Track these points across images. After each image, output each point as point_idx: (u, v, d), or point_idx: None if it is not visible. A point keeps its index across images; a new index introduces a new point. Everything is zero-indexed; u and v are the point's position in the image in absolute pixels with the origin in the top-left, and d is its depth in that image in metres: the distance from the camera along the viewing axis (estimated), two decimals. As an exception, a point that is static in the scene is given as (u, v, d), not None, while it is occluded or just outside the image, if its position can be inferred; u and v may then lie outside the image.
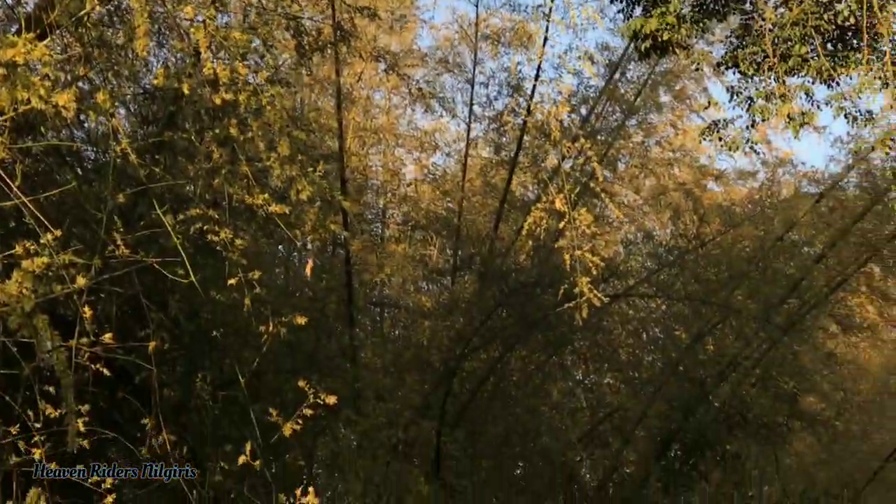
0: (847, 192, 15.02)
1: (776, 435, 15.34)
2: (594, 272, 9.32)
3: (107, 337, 6.50)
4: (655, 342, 16.09)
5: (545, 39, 12.76)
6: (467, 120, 14.51)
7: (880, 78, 7.63)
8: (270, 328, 7.36)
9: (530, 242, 13.11)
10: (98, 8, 7.43)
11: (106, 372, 6.57)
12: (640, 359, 15.86)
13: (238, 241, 7.09)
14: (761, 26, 8.23)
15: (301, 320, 7.32)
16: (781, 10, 8.27)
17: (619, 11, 9.16)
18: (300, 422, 7.35)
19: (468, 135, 14.60)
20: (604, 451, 15.35)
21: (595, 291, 9.19)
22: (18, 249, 6.05)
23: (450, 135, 16.30)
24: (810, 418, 15.88)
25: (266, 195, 7.16)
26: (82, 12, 6.69)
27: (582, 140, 9.86)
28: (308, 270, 11.38)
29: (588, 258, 9.26)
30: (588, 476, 16.11)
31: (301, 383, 7.37)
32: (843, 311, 15.83)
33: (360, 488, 11.61)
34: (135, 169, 7.10)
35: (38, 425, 6.60)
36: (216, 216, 7.08)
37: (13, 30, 7.43)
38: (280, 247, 13.34)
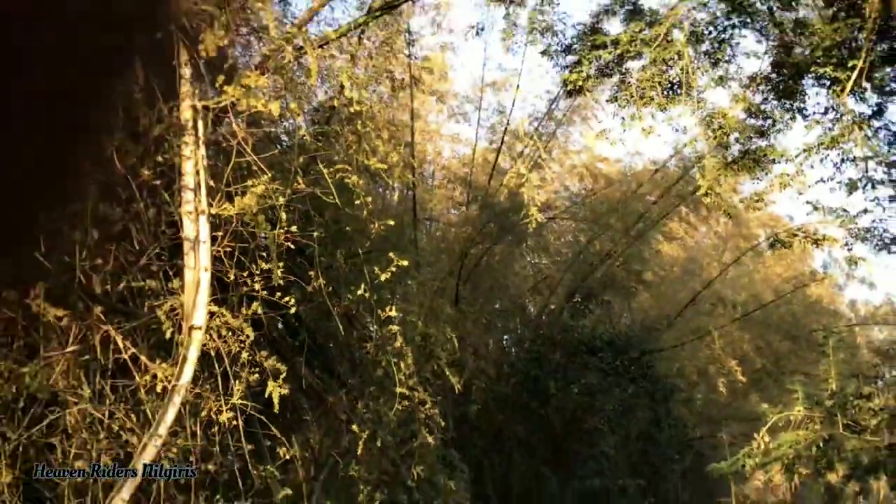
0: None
1: (627, 292, 26.08)
2: (538, 203, 14.55)
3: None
4: (568, 245, 26.55)
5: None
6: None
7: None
8: (377, 225, 11.39)
9: (506, 190, 20.57)
10: (291, 60, 11.41)
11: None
12: (563, 252, 26.43)
13: (360, 182, 11.27)
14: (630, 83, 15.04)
15: (391, 222, 11.64)
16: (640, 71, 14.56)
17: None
18: (391, 273, 11.41)
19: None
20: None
21: (537, 214, 14.56)
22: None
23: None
24: (646, 284, 26.79)
25: (374, 159, 11.61)
26: (284, 62, 10.75)
27: (535, 138, 21.12)
28: None
29: (535, 196, 14.49)
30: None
31: (391, 255, 11.55)
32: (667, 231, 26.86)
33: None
34: (309, 144, 11.45)
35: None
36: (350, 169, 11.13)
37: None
38: (380, 189, 18.87)
